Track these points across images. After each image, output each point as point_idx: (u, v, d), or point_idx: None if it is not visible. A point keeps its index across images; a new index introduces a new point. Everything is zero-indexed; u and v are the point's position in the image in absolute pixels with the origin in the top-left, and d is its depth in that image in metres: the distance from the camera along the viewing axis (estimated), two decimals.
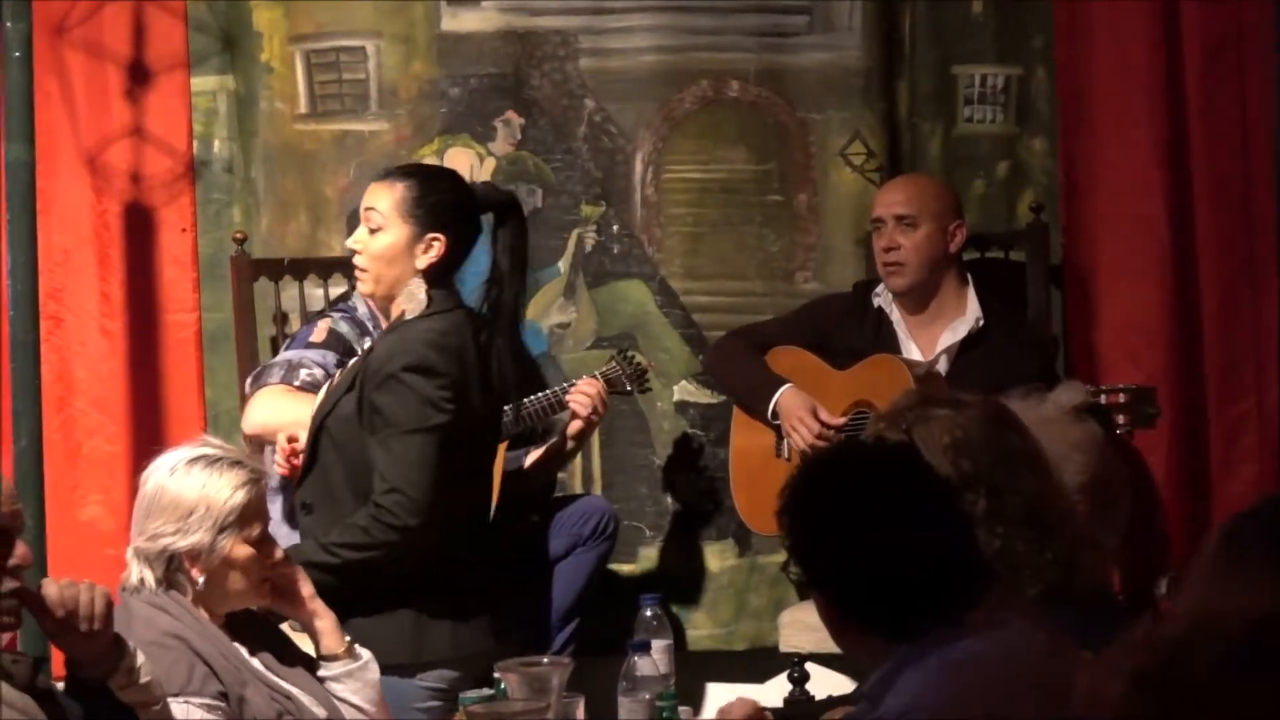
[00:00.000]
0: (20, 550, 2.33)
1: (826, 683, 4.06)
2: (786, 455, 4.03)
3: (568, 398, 4.00)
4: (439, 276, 3.29)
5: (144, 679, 2.42)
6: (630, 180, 4.42)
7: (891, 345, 4.05)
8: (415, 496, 3.16)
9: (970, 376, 3.78)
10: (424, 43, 4.39)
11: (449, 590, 3.26)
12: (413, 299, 3.28)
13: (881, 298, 4.11)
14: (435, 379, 3.20)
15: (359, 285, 3.38)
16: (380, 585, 3.18)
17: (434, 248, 3.27)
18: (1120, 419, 3.59)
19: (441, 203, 3.29)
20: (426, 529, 3.17)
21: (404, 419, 3.18)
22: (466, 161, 4.39)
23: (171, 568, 2.78)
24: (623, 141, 4.41)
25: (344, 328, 3.83)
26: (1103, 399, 3.54)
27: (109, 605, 2.36)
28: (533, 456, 4.06)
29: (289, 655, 2.94)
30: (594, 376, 4.06)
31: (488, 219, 3.38)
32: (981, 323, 4.04)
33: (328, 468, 3.29)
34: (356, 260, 3.34)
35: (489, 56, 4.39)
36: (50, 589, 2.34)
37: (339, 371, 3.46)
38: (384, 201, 3.29)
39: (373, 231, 3.29)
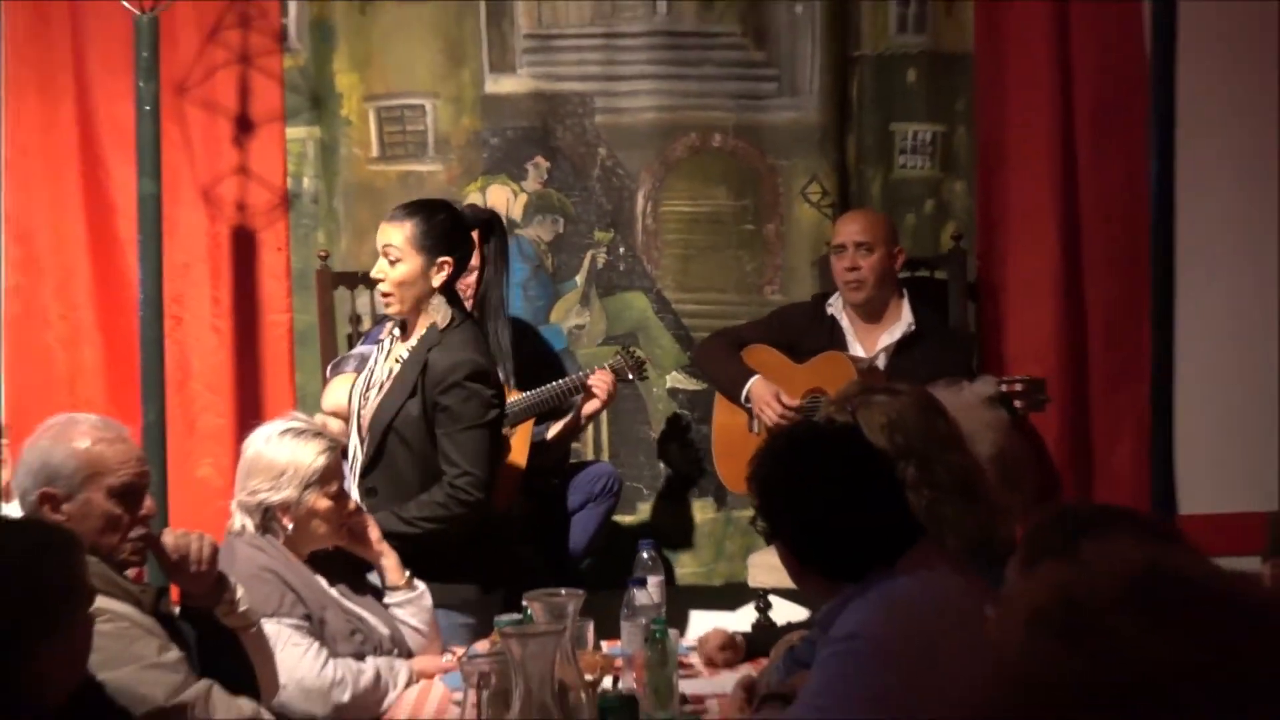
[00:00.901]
0: (147, 503, 2.34)
1: (786, 612, 4.07)
2: (756, 431, 4.02)
3: (584, 383, 4.00)
4: (449, 289, 3.26)
5: (242, 608, 2.42)
6: (634, 212, 4.40)
7: (841, 345, 4.04)
8: (482, 476, 3.17)
9: (904, 371, 3.76)
10: (471, 101, 4.38)
11: (498, 559, 3.27)
12: (439, 311, 3.24)
13: (833, 307, 4.10)
14: (488, 382, 3.20)
15: (387, 308, 3.30)
16: (447, 558, 3.15)
17: (445, 269, 3.23)
18: (1017, 404, 3.58)
19: (444, 231, 3.23)
20: (486, 502, 3.18)
21: (469, 416, 3.18)
22: (504, 196, 4.38)
23: (267, 517, 2.78)
24: (628, 181, 4.40)
25: None
26: (1002, 388, 3.52)
27: (214, 550, 2.36)
28: (554, 430, 4.06)
29: (361, 585, 2.93)
30: (604, 368, 4.06)
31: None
32: (913, 328, 4.02)
33: (394, 460, 3.24)
34: (380, 288, 3.26)
35: (523, 113, 4.38)
36: (167, 537, 2.34)
37: (387, 375, 3.32)
38: (397, 237, 3.22)
39: (392, 263, 3.23)
